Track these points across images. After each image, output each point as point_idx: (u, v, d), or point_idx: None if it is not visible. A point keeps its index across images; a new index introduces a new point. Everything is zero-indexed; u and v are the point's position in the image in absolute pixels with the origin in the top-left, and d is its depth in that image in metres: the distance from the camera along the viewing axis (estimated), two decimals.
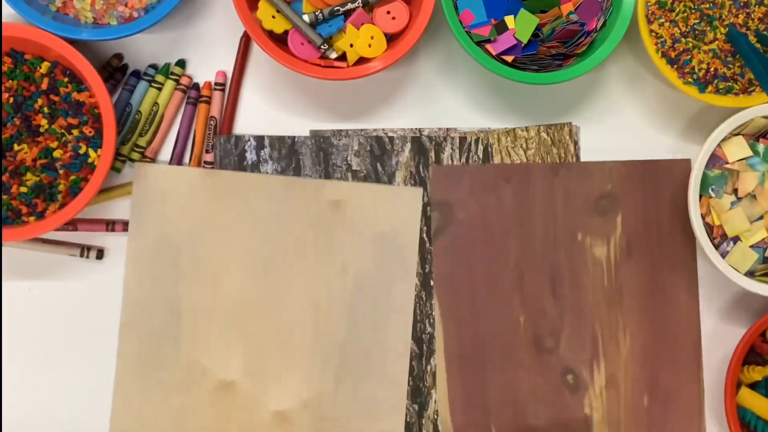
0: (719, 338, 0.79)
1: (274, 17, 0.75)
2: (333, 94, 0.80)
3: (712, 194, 0.75)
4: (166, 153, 0.79)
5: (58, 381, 0.77)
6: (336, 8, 0.75)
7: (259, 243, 0.72)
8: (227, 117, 0.79)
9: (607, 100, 0.81)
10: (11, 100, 0.73)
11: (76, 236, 0.78)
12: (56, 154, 0.73)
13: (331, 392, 0.72)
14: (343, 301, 0.73)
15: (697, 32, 0.75)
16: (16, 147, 0.73)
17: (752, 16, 0.75)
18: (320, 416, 0.73)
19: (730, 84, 0.76)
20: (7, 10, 0.74)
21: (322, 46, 0.75)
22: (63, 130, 0.74)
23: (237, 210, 0.72)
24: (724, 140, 0.75)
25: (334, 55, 0.76)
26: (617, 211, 0.73)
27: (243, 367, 0.72)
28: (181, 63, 0.79)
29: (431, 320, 0.77)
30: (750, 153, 0.75)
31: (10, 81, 0.73)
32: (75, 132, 0.73)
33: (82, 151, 0.73)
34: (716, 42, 0.75)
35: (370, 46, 0.75)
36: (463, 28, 0.75)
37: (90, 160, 0.73)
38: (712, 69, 0.76)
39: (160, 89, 0.79)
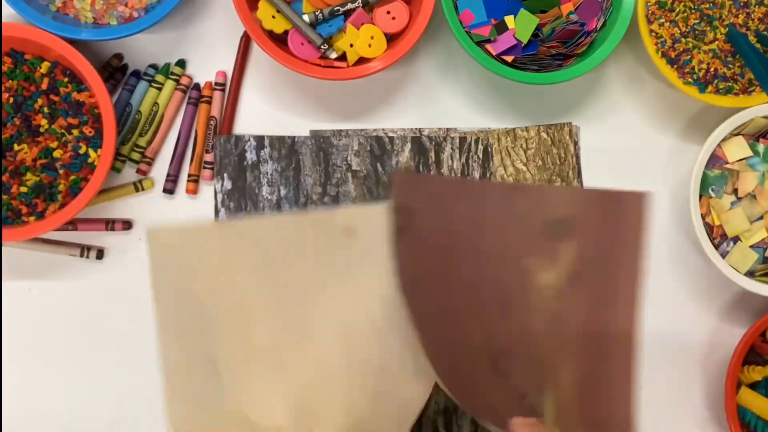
0: (719, 338, 0.79)
1: (274, 17, 0.75)
2: (333, 94, 0.80)
3: (712, 194, 0.75)
4: (166, 153, 0.79)
5: (58, 381, 0.77)
6: (336, 8, 0.75)
7: (279, 282, 0.70)
8: (227, 117, 0.79)
9: (607, 100, 0.81)
10: (11, 100, 0.73)
11: (76, 236, 0.78)
12: (56, 154, 0.73)
13: (369, 416, 0.71)
14: (371, 323, 0.71)
15: (697, 32, 0.75)
16: (16, 147, 0.73)
17: (752, 16, 0.75)
18: None
19: (730, 84, 0.76)
20: (7, 10, 0.74)
21: (322, 46, 0.75)
22: (63, 130, 0.74)
23: (252, 254, 0.70)
24: (724, 140, 0.75)
25: (334, 55, 0.76)
26: (571, 238, 0.70)
27: (288, 410, 0.70)
28: (181, 63, 0.79)
29: None
30: (750, 153, 0.75)
31: (10, 81, 0.73)
32: (75, 132, 0.73)
33: (82, 151, 0.73)
34: (716, 42, 0.75)
35: (370, 46, 0.75)
36: (463, 28, 0.75)
37: (90, 160, 0.73)
38: (712, 69, 0.76)
39: (160, 89, 0.79)
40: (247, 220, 0.73)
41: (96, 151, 0.73)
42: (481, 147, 0.80)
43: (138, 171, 0.78)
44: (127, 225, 0.78)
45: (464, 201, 0.70)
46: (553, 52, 0.75)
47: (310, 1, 0.76)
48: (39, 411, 0.77)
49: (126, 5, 0.75)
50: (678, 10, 0.75)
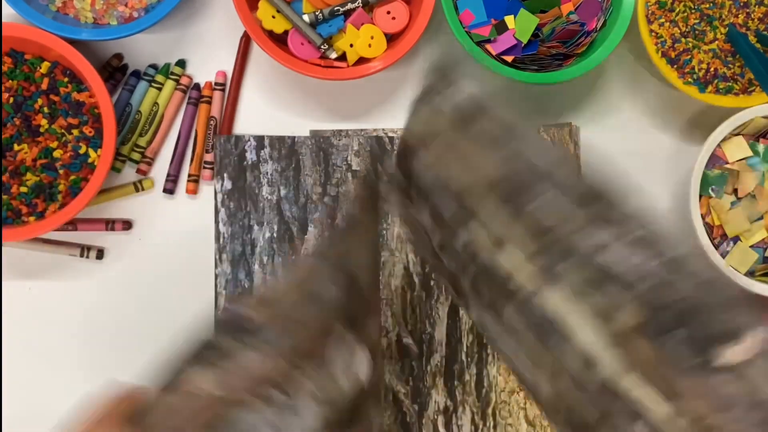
0: None
1: (274, 17, 0.75)
2: (333, 94, 0.80)
3: (712, 194, 0.75)
4: (166, 153, 0.79)
5: (58, 381, 0.77)
6: (336, 8, 0.75)
7: None
8: (227, 117, 0.79)
9: (607, 100, 0.81)
10: (11, 100, 0.73)
11: (76, 236, 0.78)
12: (56, 154, 0.73)
13: None
14: None
15: (697, 32, 0.75)
16: (16, 147, 0.73)
17: (752, 16, 0.75)
18: None
19: (731, 84, 0.76)
20: (7, 10, 0.74)
21: (322, 46, 0.75)
22: (63, 130, 0.74)
23: None
24: (724, 140, 0.75)
25: (334, 55, 0.76)
26: None
27: None
28: (181, 63, 0.79)
29: (431, 320, 0.77)
30: (750, 153, 0.75)
31: (10, 81, 0.73)
32: (75, 132, 0.73)
33: (82, 151, 0.73)
34: (716, 42, 0.75)
35: (370, 46, 0.75)
36: (463, 28, 0.75)
37: (90, 160, 0.73)
38: (712, 69, 0.76)
39: (160, 89, 0.79)
40: None
41: (96, 151, 0.73)
42: None
43: (138, 171, 0.78)
44: (127, 225, 0.78)
45: None
46: (553, 52, 0.75)
47: (310, 1, 0.76)
48: (39, 411, 0.77)
49: (126, 5, 0.75)
50: (678, 10, 0.75)
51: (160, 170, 0.79)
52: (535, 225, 0.49)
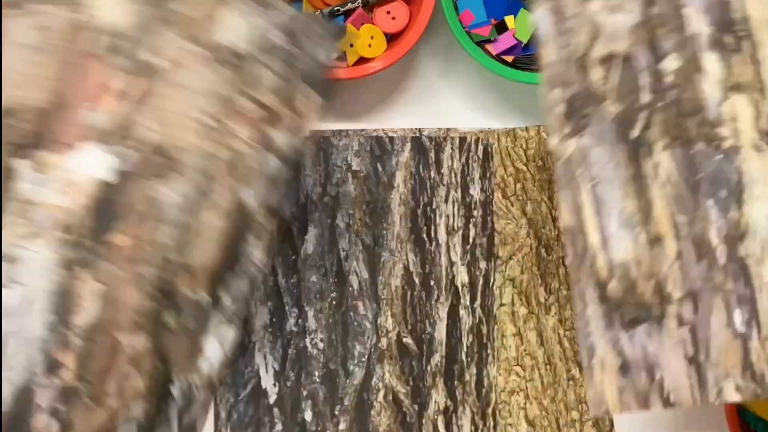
0: None
1: None
2: (333, 94, 0.80)
3: None
4: None
5: None
6: (336, 8, 0.75)
7: None
8: None
9: None
10: None
11: None
12: None
13: None
14: None
15: None
16: None
17: None
18: None
19: None
20: None
21: None
22: None
23: None
24: None
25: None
26: None
27: None
28: None
29: (431, 320, 0.78)
30: None
31: None
32: None
33: None
34: None
35: (370, 46, 0.75)
36: (463, 28, 0.75)
37: None
38: None
39: None
40: None
41: None
42: (481, 147, 0.80)
43: None
44: None
45: None
46: None
47: (310, 1, 0.76)
48: None
49: None
50: None
51: None
52: None
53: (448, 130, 0.80)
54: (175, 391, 0.56)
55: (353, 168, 0.79)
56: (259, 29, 0.58)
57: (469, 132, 0.80)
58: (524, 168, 0.80)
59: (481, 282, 0.78)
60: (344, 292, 0.77)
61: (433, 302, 0.78)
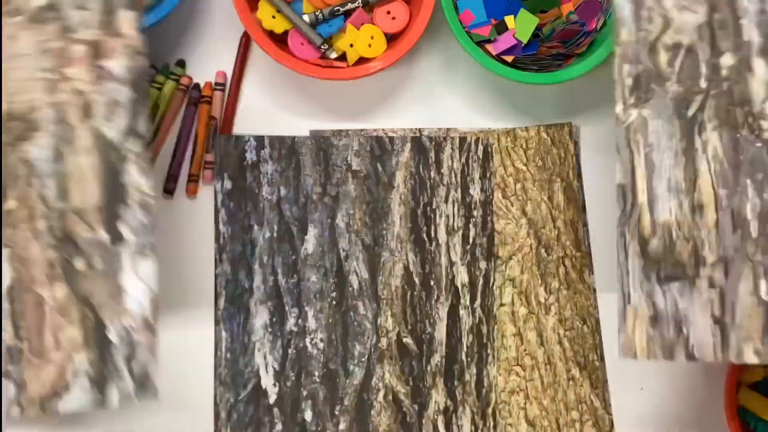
0: None
1: (274, 17, 0.75)
2: (333, 94, 0.80)
3: None
4: (166, 153, 0.79)
5: None
6: (336, 8, 0.75)
7: None
8: (227, 117, 0.79)
9: (607, 100, 0.81)
10: None
11: None
12: None
13: None
14: None
15: None
16: None
17: None
18: None
19: None
20: None
21: (322, 46, 0.75)
22: None
23: None
24: None
25: (334, 55, 0.76)
26: None
27: None
28: (181, 63, 0.79)
29: (431, 320, 0.78)
30: None
31: None
32: None
33: None
34: None
35: (370, 46, 0.75)
36: (463, 28, 0.75)
37: None
38: None
39: (160, 89, 0.79)
40: None
41: None
42: (481, 147, 0.80)
43: None
44: None
45: None
46: (553, 52, 0.75)
47: (310, 1, 0.76)
48: None
49: None
50: None
51: (160, 170, 0.79)
52: None
53: (448, 130, 0.80)
54: (113, 336, 0.59)
55: (353, 168, 0.79)
56: None
57: (469, 132, 0.80)
58: (524, 168, 0.80)
59: (481, 282, 0.78)
60: (344, 292, 0.77)
61: (433, 302, 0.78)
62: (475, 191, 0.79)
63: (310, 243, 0.78)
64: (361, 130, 0.80)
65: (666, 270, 0.63)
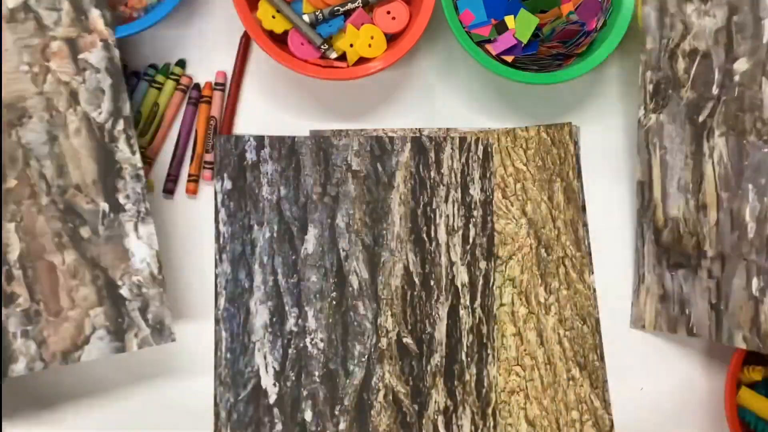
0: None
1: (274, 17, 0.75)
2: (333, 94, 0.80)
3: None
4: (166, 153, 0.79)
5: None
6: (336, 8, 0.75)
7: None
8: (227, 117, 0.79)
9: (607, 100, 0.81)
10: None
11: None
12: None
13: None
14: None
15: None
16: None
17: None
18: None
19: None
20: None
21: (322, 46, 0.75)
22: None
23: None
24: None
25: (334, 55, 0.76)
26: None
27: None
28: (181, 63, 0.79)
29: (431, 320, 0.78)
30: None
31: None
32: None
33: None
34: None
35: (370, 46, 0.75)
36: (463, 28, 0.75)
37: None
38: None
39: (160, 89, 0.79)
40: None
41: None
42: (481, 147, 0.80)
43: None
44: None
45: None
46: (553, 52, 0.75)
47: (310, 1, 0.76)
48: None
49: (126, 5, 0.75)
50: None
51: (160, 170, 0.79)
52: None
53: (448, 130, 0.80)
54: (125, 292, 0.67)
55: (353, 168, 0.79)
56: None
57: (469, 132, 0.80)
58: (524, 168, 0.80)
59: (481, 282, 0.78)
60: (344, 292, 0.77)
61: (433, 302, 0.78)
62: (475, 191, 0.79)
63: (310, 243, 0.78)
64: (361, 130, 0.80)
65: (674, 258, 0.70)
